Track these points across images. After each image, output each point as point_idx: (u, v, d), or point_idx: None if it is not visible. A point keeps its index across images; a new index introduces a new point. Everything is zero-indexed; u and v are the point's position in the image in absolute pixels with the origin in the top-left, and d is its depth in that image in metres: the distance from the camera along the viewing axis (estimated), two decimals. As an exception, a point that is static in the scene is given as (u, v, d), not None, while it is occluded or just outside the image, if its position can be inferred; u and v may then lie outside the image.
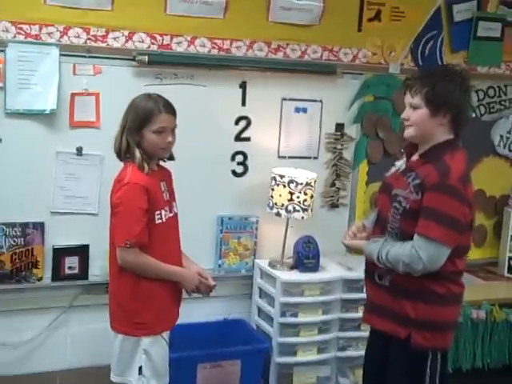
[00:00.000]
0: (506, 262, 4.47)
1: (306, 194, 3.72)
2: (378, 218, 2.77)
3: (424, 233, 2.51)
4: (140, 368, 2.79)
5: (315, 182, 3.80)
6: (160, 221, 2.76)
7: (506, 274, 4.46)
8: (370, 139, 4.17)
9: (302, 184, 3.70)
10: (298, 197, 3.70)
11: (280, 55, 3.88)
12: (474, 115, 4.40)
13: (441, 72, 2.66)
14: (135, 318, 2.77)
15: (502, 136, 4.59)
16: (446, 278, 2.61)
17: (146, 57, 3.51)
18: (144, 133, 2.72)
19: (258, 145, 3.90)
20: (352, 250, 3.02)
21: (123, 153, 2.76)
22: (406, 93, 2.65)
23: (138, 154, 2.72)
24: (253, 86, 3.82)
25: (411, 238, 2.55)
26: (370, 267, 2.73)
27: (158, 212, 2.75)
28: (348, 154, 4.16)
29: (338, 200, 4.16)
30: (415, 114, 2.60)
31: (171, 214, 2.85)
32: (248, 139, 3.88)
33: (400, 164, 2.78)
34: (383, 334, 2.71)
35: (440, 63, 4.17)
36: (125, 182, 2.69)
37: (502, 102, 4.54)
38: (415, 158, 2.68)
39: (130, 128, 2.72)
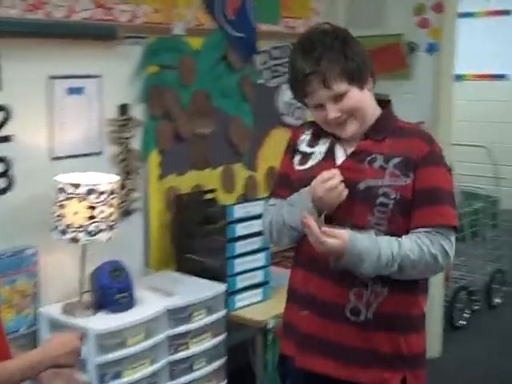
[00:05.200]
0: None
1: (111, 205, 2.67)
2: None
3: (446, 222, 1.90)
4: None
5: (117, 187, 2.76)
6: None
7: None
8: (157, 121, 3.24)
9: (105, 193, 2.64)
10: (102, 211, 2.63)
11: (40, 14, 2.72)
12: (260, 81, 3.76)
13: (329, 35, 1.93)
14: None
15: (286, 103, 3.97)
16: (427, 287, 2.04)
17: None
18: None
19: (24, 145, 2.72)
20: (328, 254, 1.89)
21: None
22: (310, 92, 1.92)
23: None
24: (9, 60, 2.61)
25: None
26: (338, 300, 1.92)
27: None
28: (137, 144, 3.17)
29: (131, 205, 3.16)
30: (346, 102, 1.91)
31: None
32: (8, 139, 2.68)
33: (324, 150, 2.02)
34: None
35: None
36: None
37: (286, 64, 3.91)
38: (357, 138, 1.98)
39: None
